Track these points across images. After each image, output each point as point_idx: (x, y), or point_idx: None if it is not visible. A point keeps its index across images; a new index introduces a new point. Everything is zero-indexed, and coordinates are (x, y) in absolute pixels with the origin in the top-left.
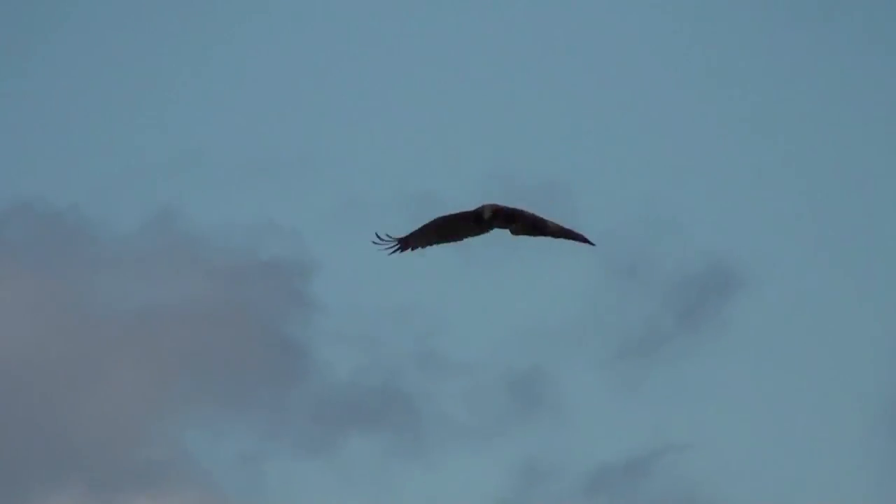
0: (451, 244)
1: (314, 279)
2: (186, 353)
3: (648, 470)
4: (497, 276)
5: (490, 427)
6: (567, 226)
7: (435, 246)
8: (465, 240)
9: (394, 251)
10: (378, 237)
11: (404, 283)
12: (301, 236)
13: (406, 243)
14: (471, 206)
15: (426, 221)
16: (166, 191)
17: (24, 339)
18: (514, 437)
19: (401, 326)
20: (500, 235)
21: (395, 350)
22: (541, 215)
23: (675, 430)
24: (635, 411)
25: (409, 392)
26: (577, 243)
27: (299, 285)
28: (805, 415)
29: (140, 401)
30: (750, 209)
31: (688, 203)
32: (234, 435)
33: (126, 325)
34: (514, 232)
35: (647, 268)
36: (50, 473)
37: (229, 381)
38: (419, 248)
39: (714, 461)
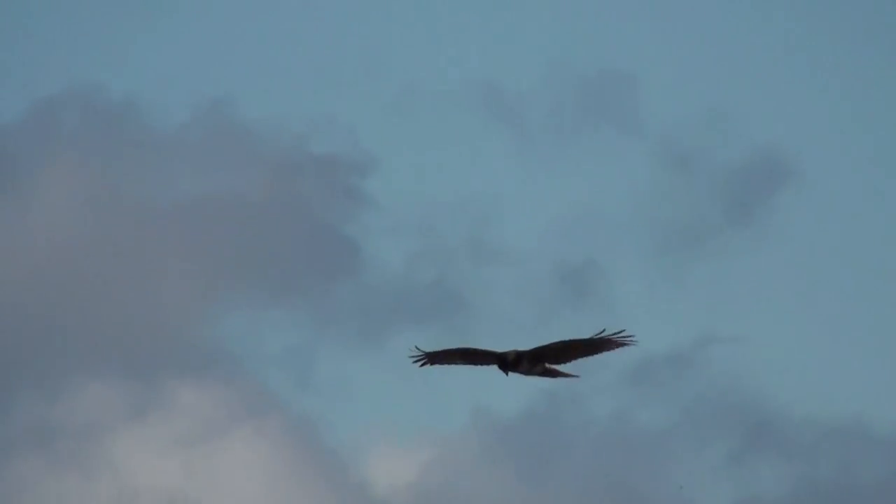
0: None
1: (368, 172)
2: (238, 245)
3: (694, 362)
4: (551, 168)
5: (539, 317)
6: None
7: (458, 365)
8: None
9: (423, 364)
10: (416, 349)
11: (457, 176)
12: (356, 129)
13: (433, 359)
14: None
15: (453, 346)
16: (221, 82)
17: (74, 227)
18: (563, 327)
19: (453, 218)
20: None
21: (447, 242)
22: (566, 339)
23: (722, 323)
24: (683, 303)
25: (460, 283)
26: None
27: (352, 178)
28: (852, 310)
29: (190, 292)
30: (802, 103)
31: (741, 96)
32: (284, 329)
33: (177, 215)
34: (540, 372)
35: (699, 160)
36: (98, 363)
37: (280, 273)
38: (443, 365)
39: (760, 355)
